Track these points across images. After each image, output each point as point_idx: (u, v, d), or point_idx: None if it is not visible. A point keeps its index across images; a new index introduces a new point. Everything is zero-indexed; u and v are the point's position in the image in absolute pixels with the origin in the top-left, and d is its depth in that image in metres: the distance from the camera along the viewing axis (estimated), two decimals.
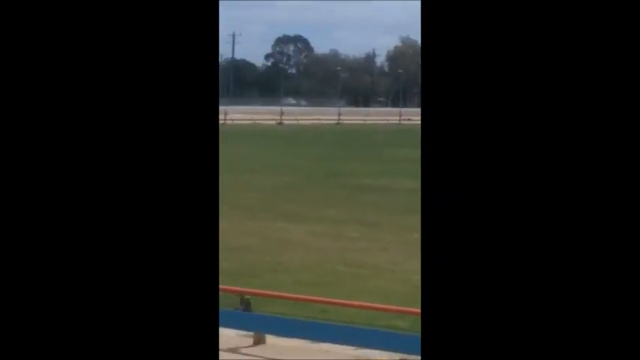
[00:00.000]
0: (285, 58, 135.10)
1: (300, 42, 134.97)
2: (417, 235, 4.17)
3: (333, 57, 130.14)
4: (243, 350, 9.70)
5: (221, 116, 65.88)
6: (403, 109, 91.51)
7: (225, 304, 10.37)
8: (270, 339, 9.82)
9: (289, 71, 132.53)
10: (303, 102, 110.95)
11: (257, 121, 65.91)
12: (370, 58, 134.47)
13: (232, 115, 66.03)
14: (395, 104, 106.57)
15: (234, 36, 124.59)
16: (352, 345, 9.23)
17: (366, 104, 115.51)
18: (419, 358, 5.38)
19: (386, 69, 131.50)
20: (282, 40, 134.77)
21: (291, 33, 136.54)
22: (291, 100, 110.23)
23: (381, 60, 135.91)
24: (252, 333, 9.87)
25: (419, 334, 3.62)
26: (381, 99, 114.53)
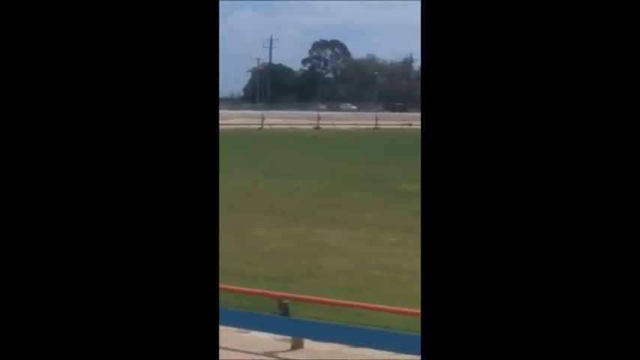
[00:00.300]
0: (322, 63, 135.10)
1: (337, 46, 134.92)
2: None
3: (371, 62, 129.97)
4: (281, 355, 9.73)
5: (258, 121, 65.72)
6: None
7: (263, 308, 10.43)
8: (308, 343, 9.85)
9: (326, 76, 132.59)
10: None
11: (294, 126, 66.00)
12: (407, 62, 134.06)
13: (269, 119, 66.16)
14: None
15: (271, 40, 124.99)
16: (390, 350, 9.23)
17: (403, 109, 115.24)
18: None
19: None
20: (320, 45, 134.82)
21: (328, 38, 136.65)
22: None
23: (418, 65, 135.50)
24: (289, 337, 9.91)
25: None
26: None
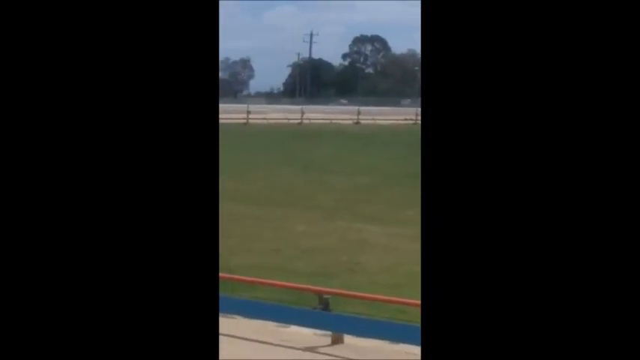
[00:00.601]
0: (362, 58, 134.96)
1: (377, 41, 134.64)
2: None
3: (411, 57, 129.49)
4: (321, 350, 9.77)
5: (297, 115, 65.76)
6: None
7: (304, 303, 10.46)
8: (349, 339, 9.86)
9: (366, 71, 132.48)
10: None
11: (334, 121, 66.04)
12: None
13: (309, 114, 66.22)
14: None
15: (311, 35, 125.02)
16: None
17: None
18: None
19: None
20: (360, 40, 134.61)
21: (369, 33, 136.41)
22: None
23: None
24: (330, 333, 9.93)
25: None
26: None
